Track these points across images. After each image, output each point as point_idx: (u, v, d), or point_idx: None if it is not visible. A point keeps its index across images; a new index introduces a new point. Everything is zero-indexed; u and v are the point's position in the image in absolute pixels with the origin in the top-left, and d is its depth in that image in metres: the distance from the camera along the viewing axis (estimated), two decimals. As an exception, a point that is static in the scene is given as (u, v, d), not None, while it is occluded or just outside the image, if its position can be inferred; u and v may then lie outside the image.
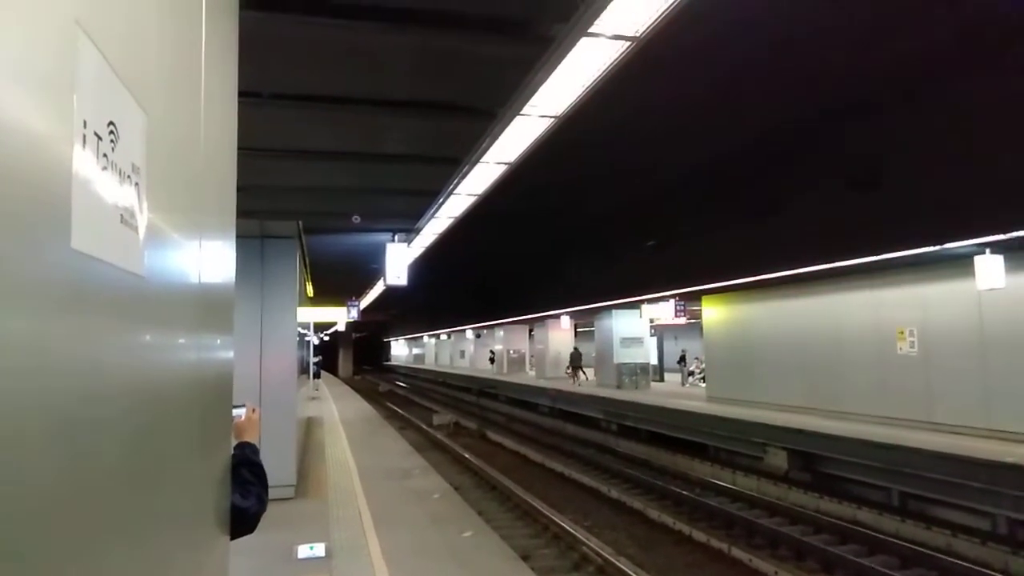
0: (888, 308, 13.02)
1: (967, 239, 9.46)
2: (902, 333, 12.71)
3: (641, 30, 3.79)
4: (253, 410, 2.48)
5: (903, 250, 10.33)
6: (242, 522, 2.15)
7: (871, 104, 9.98)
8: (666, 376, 30.63)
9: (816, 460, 12.75)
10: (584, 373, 29.12)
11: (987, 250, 10.10)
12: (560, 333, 30.30)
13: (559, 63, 4.18)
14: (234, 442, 2.38)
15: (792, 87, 9.54)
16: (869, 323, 13.40)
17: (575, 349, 28.56)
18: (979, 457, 9.63)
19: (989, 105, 8.56)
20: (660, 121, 10.67)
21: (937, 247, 9.81)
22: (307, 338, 20.03)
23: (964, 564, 8.50)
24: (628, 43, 3.94)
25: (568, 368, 28.20)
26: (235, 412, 2.39)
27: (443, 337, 52.27)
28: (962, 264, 10.79)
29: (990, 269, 10.19)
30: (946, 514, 10.30)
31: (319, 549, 6.65)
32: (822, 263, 11.76)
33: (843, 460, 12.03)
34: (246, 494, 2.17)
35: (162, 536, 1.19)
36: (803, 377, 15.08)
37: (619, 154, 12.23)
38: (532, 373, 33.79)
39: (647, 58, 4.21)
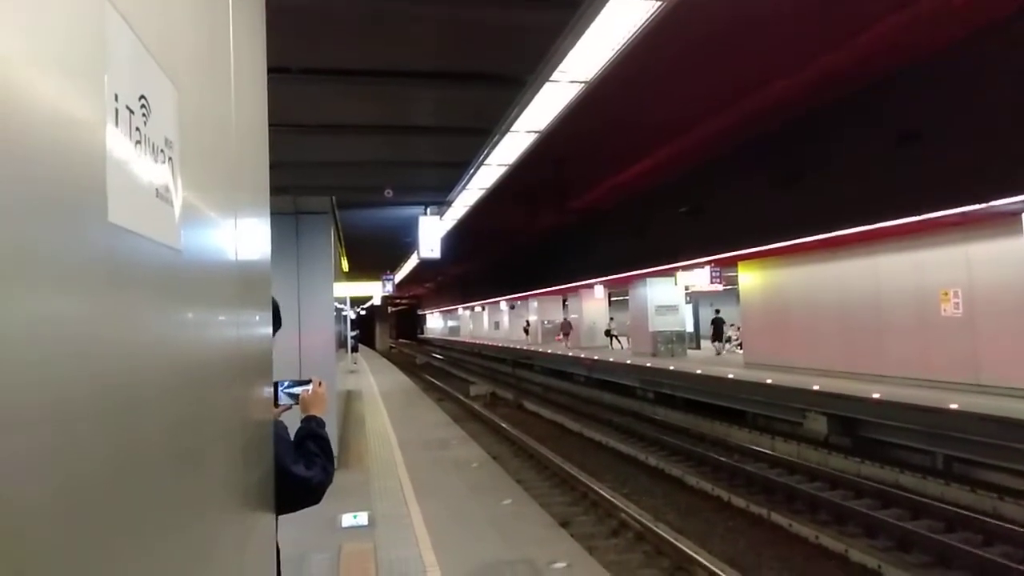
0: (931, 269, 12.71)
1: (1013, 195, 9.14)
2: (946, 294, 12.41)
3: (672, -11, 3.69)
4: (320, 384, 2.54)
5: (946, 209, 10.02)
6: (307, 493, 2.22)
7: (913, 60, 9.67)
8: (703, 343, 30.43)
9: (857, 425, 12.59)
10: (620, 341, 29.11)
11: (1035, 206, 9.78)
12: (594, 303, 30.23)
13: (588, 27, 4.10)
14: (302, 416, 2.47)
15: (830, 44, 9.27)
16: (911, 285, 13.10)
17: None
18: (1027, 419, 9.42)
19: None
20: (692, 82, 10.48)
21: (982, 205, 9.50)
22: (344, 312, 20.26)
23: (1011, 527, 8.37)
24: (659, 3, 3.84)
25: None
26: (302, 388, 2.50)
27: (477, 309, 52.49)
28: (1008, 222, 10.46)
29: (1039, 226, 9.87)
30: (992, 477, 10.12)
31: (362, 518, 6.81)
32: (861, 225, 11.48)
33: (885, 424, 11.87)
34: (311, 465, 2.24)
35: (206, 513, 1.20)
36: (843, 341, 14.84)
37: (650, 118, 12.05)
38: (568, 343, 33.85)
39: (679, 17, 4.11)
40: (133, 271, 0.87)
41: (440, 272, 35.23)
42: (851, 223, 11.57)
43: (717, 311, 25.40)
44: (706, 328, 30.66)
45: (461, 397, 24.05)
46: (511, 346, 36.34)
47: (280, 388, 2.48)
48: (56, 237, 0.67)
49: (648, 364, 20.38)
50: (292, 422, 2.45)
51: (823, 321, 15.49)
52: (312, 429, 2.39)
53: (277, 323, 2.30)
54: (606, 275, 22.27)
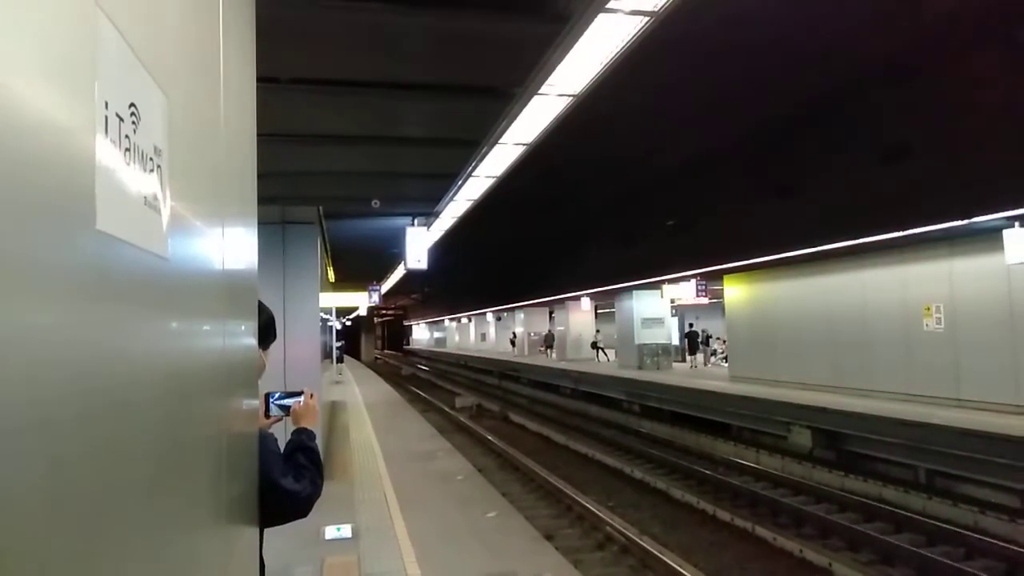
0: (914, 284, 12.84)
1: (995, 212, 9.27)
2: (928, 309, 12.53)
3: (660, 5, 3.72)
4: (311, 395, 2.52)
5: (929, 225, 10.14)
6: (295, 505, 2.19)
7: (897, 77, 9.80)
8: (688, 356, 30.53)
9: (841, 438, 12.67)
10: (606, 353, 29.17)
11: (1016, 223, 9.90)
12: (580, 315, 30.28)
13: (576, 41, 4.12)
14: (292, 428, 2.45)
15: (816, 61, 9.39)
16: (895, 300, 13.22)
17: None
18: (1007, 433, 9.51)
19: (1019, 74, 8.36)
20: (680, 98, 10.57)
21: (964, 221, 9.62)
22: (329, 323, 20.16)
23: (991, 541, 8.43)
24: (647, 18, 3.88)
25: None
26: (294, 400, 2.48)
27: (464, 320, 52.41)
28: (990, 238, 10.59)
29: (1019, 243, 9.98)
30: (973, 491, 10.20)
31: (346, 530, 6.75)
32: (847, 239, 11.59)
33: (868, 438, 11.94)
34: (299, 478, 2.21)
35: (188, 525, 1.19)
36: (828, 355, 14.94)
37: (639, 132, 12.13)
38: (553, 355, 33.91)
39: (666, 34, 4.15)
40: (120, 279, 0.86)
41: (427, 283, 35.20)
42: (837, 238, 11.67)
43: (691, 324, 25.52)
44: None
45: (447, 409, 23.96)
46: (497, 358, 36.30)
47: (271, 400, 2.45)
48: (44, 244, 0.66)
49: (634, 377, 20.41)
50: (281, 434, 2.43)
51: (809, 334, 15.58)
52: (302, 441, 2.37)
53: (272, 336, 2.29)
54: (592, 287, 22.32)
